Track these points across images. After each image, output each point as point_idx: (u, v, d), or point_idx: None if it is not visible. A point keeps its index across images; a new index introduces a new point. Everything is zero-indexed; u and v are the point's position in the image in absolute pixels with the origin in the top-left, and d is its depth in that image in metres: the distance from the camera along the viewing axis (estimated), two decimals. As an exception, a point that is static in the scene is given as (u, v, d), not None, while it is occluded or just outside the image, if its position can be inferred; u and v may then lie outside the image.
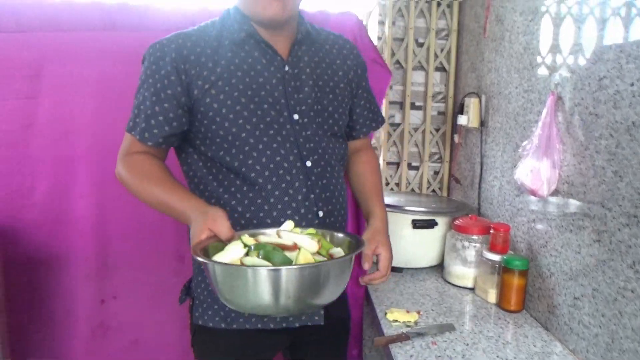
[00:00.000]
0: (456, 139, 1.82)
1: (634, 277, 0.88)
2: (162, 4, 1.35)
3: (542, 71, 1.24)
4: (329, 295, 0.81)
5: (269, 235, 0.91)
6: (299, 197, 1.01)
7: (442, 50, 1.85)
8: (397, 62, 1.85)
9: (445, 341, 1.12)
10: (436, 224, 1.51)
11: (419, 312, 1.26)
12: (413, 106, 1.89)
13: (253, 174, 0.99)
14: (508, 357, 1.05)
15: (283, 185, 1.00)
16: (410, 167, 1.94)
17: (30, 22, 1.21)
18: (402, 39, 1.83)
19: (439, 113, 1.91)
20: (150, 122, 0.98)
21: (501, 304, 1.28)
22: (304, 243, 0.83)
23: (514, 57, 1.40)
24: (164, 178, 0.97)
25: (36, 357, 1.37)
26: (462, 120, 1.67)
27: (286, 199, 1.00)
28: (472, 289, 1.40)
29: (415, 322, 1.21)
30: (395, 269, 1.56)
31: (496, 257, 1.30)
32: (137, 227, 1.36)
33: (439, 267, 1.55)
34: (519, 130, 1.36)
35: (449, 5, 1.81)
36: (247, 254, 0.82)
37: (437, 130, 1.91)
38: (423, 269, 1.57)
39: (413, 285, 1.46)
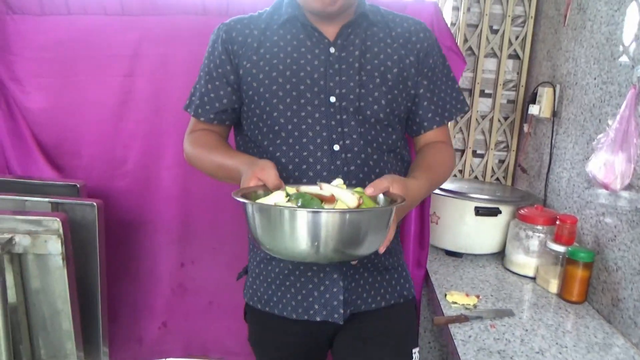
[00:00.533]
0: (526, 128, 1.81)
1: None
2: None
3: (625, 63, 1.21)
4: (368, 245, 0.79)
5: (312, 188, 0.88)
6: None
7: (517, 37, 1.82)
8: (469, 48, 1.84)
9: (504, 325, 1.15)
10: (500, 212, 1.53)
11: (478, 297, 1.30)
12: (482, 93, 1.89)
13: (278, 154, 1.00)
14: (567, 345, 1.07)
15: (304, 166, 0.99)
16: (475, 154, 1.94)
17: (131, 6, 1.32)
18: (477, 25, 1.82)
19: (509, 101, 1.89)
20: (203, 99, 1.05)
21: (563, 294, 1.29)
22: (343, 197, 0.81)
23: (594, 47, 1.37)
24: (219, 146, 1.02)
25: (127, 308, 1.54)
26: (533, 109, 1.66)
27: (304, 181, 0.98)
28: (533, 278, 1.42)
29: (475, 306, 1.25)
30: (454, 254, 1.60)
31: (561, 248, 1.30)
32: (215, 199, 1.47)
33: (499, 255, 1.57)
34: (594, 122, 1.34)
35: (527, -8, 1.78)
36: (288, 202, 0.82)
37: (506, 118, 1.90)
38: (483, 256, 1.59)
39: (473, 270, 1.49)
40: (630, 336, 1.10)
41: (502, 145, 1.93)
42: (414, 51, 1.04)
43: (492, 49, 1.84)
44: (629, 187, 1.14)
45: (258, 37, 1.02)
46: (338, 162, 0.98)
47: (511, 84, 1.88)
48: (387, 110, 1.01)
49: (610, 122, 1.20)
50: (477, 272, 1.47)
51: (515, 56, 1.85)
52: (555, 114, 1.59)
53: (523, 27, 1.82)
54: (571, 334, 1.12)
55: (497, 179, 1.96)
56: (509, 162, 1.93)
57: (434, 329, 1.73)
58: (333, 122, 0.99)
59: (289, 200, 0.81)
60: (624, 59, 1.22)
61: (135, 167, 1.43)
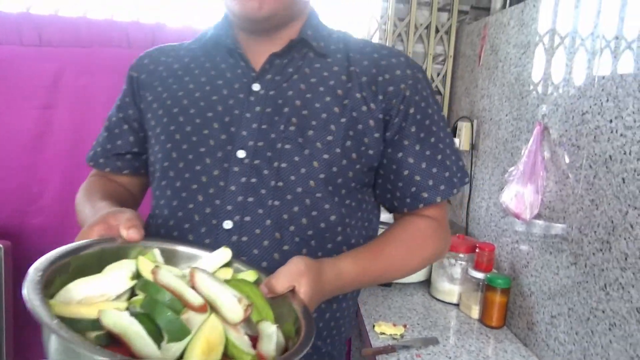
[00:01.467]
0: (448, 160, 1.90)
1: (605, 298, 0.95)
2: (173, 22, 1.43)
3: (531, 102, 1.32)
4: None
5: (185, 269, 0.60)
6: None
7: (438, 74, 1.93)
8: (395, 84, 1.93)
9: (429, 354, 1.18)
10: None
11: (405, 326, 1.32)
12: (408, 126, 1.97)
13: (160, 220, 0.76)
14: (488, 371, 1.11)
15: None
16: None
17: (51, 37, 1.28)
18: (400, 62, 1.91)
19: (433, 134, 1.99)
20: (98, 140, 0.88)
21: (484, 319, 1.35)
22: (223, 304, 0.52)
23: (505, 86, 1.48)
24: (99, 192, 0.79)
25: (38, 355, 1.43)
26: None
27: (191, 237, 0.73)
28: (457, 305, 1.47)
29: (402, 335, 1.28)
30: (384, 284, 1.63)
31: (480, 275, 1.37)
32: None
33: (426, 283, 1.62)
34: (507, 155, 1.44)
35: (447, 32, 1.90)
36: (133, 292, 0.54)
37: (431, 150, 1.99)
38: (411, 284, 1.63)
39: (401, 299, 1.52)
40: (543, 358, 1.16)
41: (428, 176, 2.02)
42: (378, 95, 0.75)
43: (416, 84, 1.94)
44: (537, 216, 1.22)
45: (171, 64, 0.81)
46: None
47: (434, 118, 1.98)
48: (321, 177, 0.72)
49: (520, 155, 1.29)
50: (404, 301, 1.51)
51: (437, 92, 1.96)
52: (473, 146, 1.68)
53: (443, 65, 1.93)
54: (491, 358, 1.17)
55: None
56: (434, 192, 2.01)
57: (365, 360, 1.74)
58: (233, 187, 0.71)
59: (133, 293, 0.53)
60: (531, 97, 1.32)
61: (51, 203, 1.36)
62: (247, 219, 0.71)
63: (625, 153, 0.92)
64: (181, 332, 0.48)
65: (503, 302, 1.32)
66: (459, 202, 1.80)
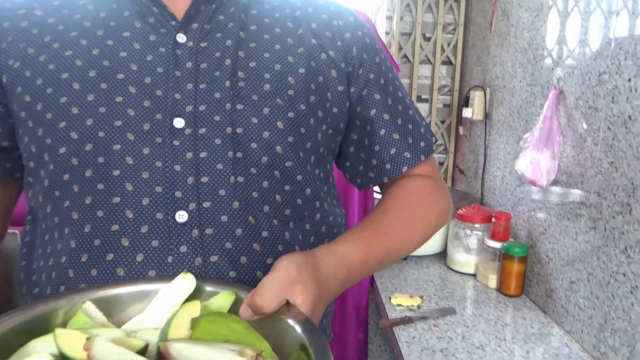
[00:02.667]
0: (461, 131, 1.87)
1: (626, 261, 0.93)
2: None
3: (546, 66, 1.28)
4: None
5: (149, 326, 0.47)
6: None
7: (448, 44, 1.89)
8: (405, 56, 1.89)
9: (447, 324, 1.18)
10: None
11: (422, 297, 1.32)
12: (419, 99, 1.94)
13: (67, 229, 0.56)
14: (506, 338, 1.10)
15: (110, 256, 0.54)
16: (416, 158, 1.99)
17: None
18: (410, 34, 1.88)
19: (445, 106, 1.96)
20: None
21: (501, 289, 1.34)
22: None
23: (518, 52, 1.44)
24: None
25: None
26: (467, 112, 1.72)
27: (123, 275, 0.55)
28: (474, 275, 1.46)
29: (418, 306, 1.27)
30: (400, 256, 1.62)
31: (497, 245, 1.35)
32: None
33: (442, 255, 1.61)
34: (522, 123, 1.41)
35: (457, 0, 1.85)
36: None
37: (443, 122, 1.96)
38: (427, 257, 1.63)
39: (417, 272, 1.52)
40: (563, 324, 1.15)
41: (441, 148, 1.99)
42: (336, 41, 0.65)
43: (426, 55, 1.90)
44: (554, 182, 1.20)
45: (43, 18, 0.59)
46: (183, 248, 0.55)
47: (446, 89, 1.94)
48: (289, 140, 0.59)
49: (536, 122, 1.26)
50: (421, 274, 1.50)
51: (448, 62, 1.92)
52: (487, 116, 1.65)
53: (453, 34, 1.89)
54: (509, 326, 1.16)
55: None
56: (447, 164, 1.99)
57: (383, 333, 1.75)
58: (178, 167, 0.55)
59: None
60: (546, 61, 1.28)
61: None
62: (207, 204, 0.55)
63: (645, 112, 0.90)
64: None
65: (521, 270, 1.30)
66: (474, 173, 1.78)
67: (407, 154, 0.69)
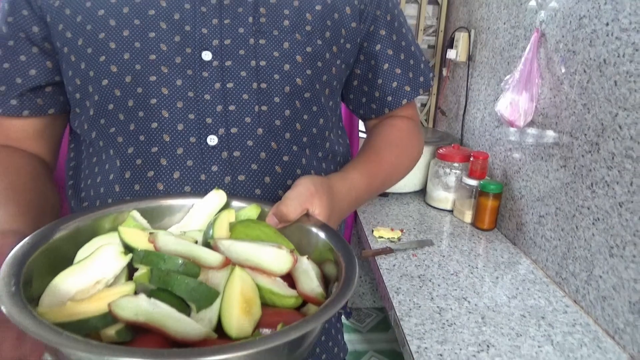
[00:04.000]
0: (444, 72, 1.90)
1: (591, 196, 1.02)
2: None
3: (530, 8, 1.31)
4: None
5: (177, 226, 0.54)
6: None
7: (435, -17, 1.88)
8: (391, -6, 1.88)
9: (425, 254, 1.27)
10: (422, 152, 1.63)
11: (402, 230, 1.41)
12: (405, 39, 1.95)
13: (112, 151, 0.62)
14: (478, 266, 1.20)
15: (150, 173, 0.61)
16: (399, 99, 2.03)
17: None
18: (397, -29, 1.86)
19: (430, 46, 1.97)
20: None
21: (476, 223, 1.43)
22: (262, 257, 0.46)
23: (504, -7, 1.46)
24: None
25: None
26: (451, 54, 1.74)
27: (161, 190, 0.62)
28: (451, 211, 1.55)
29: (399, 239, 1.36)
30: (381, 194, 1.69)
31: (474, 182, 1.43)
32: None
33: (422, 192, 1.69)
34: (504, 65, 1.45)
35: (445, -63, 1.82)
36: (132, 268, 0.45)
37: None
38: (407, 194, 1.71)
39: (398, 208, 1.60)
40: (530, 254, 1.25)
41: (424, 90, 2.03)
42: None
43: (413, -6, 1.89)
44: (531, 123, 1.26)
45: None
46: (214, 168, 0.61)
47: (431, 29, 1.95)
48: (308, 73, 0.65)
49: (517, 64, 1.30)
50: (401, 209, 1.58)
51: (434, 2, 1.92)
52: (470, 57, 1.68)
53: (441, -27, 1.87)
54: (482, 256, 1.26)
55: (420, 122, 2.06)
56: (430, 105, 2.03)
57: (364, 264, 1.85)
58: (207, 96, 0.61)
59: (132, 263, 0.44)
60: (530, 4, 1.31)
61: None
62: (234, 130, 0.61)
63: (619, 56, 0.94)
64: (209, 296, 0.42)
65: (495, 206, 1.39)
66: (455, 114, 1.83)
67: (407, 88, 0.76)
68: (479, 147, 1.60)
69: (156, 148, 0.61)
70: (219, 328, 0.41)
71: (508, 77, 1.30)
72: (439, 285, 1.11)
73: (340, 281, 0.44)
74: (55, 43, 0.62)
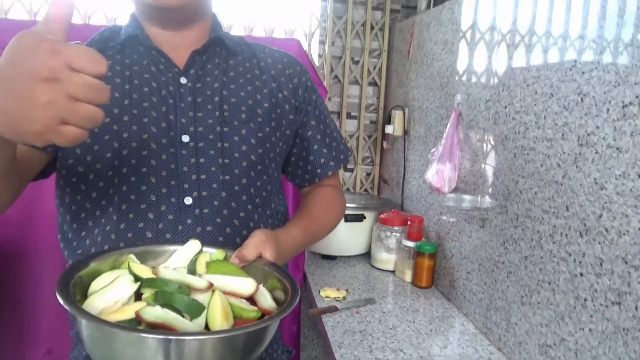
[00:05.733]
0: (385, 145, 2.10)
1: (504, 252, 1.17)
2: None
3: (449, 91, 1.52)
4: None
5: (169, 260, 0.70)
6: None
7: (374, 67, 2.12)
8: (336, 77, 2.10)
9: (367, 311, 1.37)
10: (364, 217, 1.77)
11: (347, 290, 1.51)
12: (349, 116, 2.15)
13: (111, 208, 0.78)
14: (415, 321, 1.31)
15: (140, 224, 0.77)
16: (346, 169, 2.20)
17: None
18: (340, 57, 2.09)
19: (371, 122, 2.18)
20: None
21: (415, 282, 1.55)
22: (231, 284, 0.64)
23: (430, 78, 1.68)
24: None
25: (9, 336, 1.52)
26: (389, 129, 1.94)
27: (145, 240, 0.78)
28: (393, 272, 1.67)
29: (344, 298, 1.46)
30: (329, 257, 1.80)
31: (412, 244, 1.57)
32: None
33: (367, 255, 1.81)
34: (432, 138, 1.64)
35: (381, 29, 2.09)
36: (137, 293, 0.60)
37: (369, 137, 2.18)
38: (354, 257, 1.82)
39: (344, 270, 1.71)
40: (462, 308, 1.37)
41: (368, 160, 2.21)
42: (288, 85, 0.92)
43: (354, 77, 2.12)
44: (455, 190, 1.43)
45: None
46: (189, 221, 0.78)
47: (372, 107, 2.17)
48: (259, 152, 0.85)
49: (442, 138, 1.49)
50: (348, 271, 1.69)
51: (374, 83, 2.15)
52: (406, 132, 1.89)
53: (379, 59, 2.12)
54: (419, 312, 1.37)
55: (366, 189, 2.23)
56: (374, 175, 2.21)
57: (311, 322, 1.92)
58: (185, 168, 0.79)
59: (140, 292, 0.60)
60: (449, 88, 1.52)
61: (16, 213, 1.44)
62: (204, 193, 0.80)
63: (515, 133, 1.14)
64: (199, 309, 0.58)
65: (430, 265, 1.52)
66: (396, 182, 2.00)
67: (332, 162, 1.00)
68: (417, 212, 1.76)
69: (144, 205, 0.78)
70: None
71: (434, 149, 1.48)
72: (378, 338, 1.21)
73: (289, 296, 0.64)
74: None
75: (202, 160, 0.81)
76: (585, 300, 0.90)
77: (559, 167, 0.98)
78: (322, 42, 2.06)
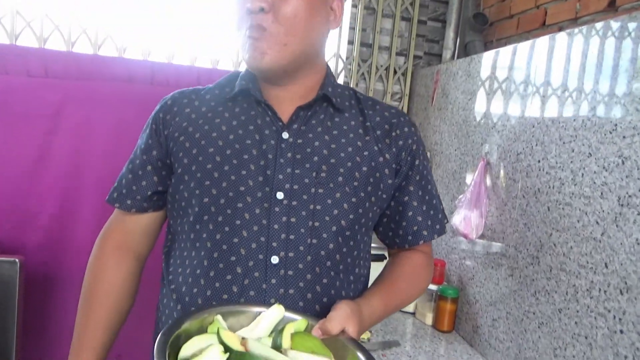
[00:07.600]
0: (404, 186, 2.14)
1: (535, 302, 1.19)
2: (175, 61, 1.57)
3: (476, 140, 1.57)
4: None
5: (257, 334, 0.70)
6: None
7: (395, 110, 2.18)
8: (357, 117, 2.15)
9: (393, 354, 1.38)
10: (385, 257, 1.79)
11: (370, 332, 1.52)
12: (368, 155, 2.20)
13: (203, 252, 0.81)
14: (442, 366, 1.32)
15: (228, 277, 0.79)
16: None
17: (56, 69, 1.40)
18: (362, 98, 2.15)
19: (390, 162, 2.23)
20: (122, 182, 0.91)
21: (436, 325, 1.57)
22: None
23: (454, 125, 1.73)
24: (92, 308, 0.89)
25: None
26: (409, 171, 1.98)
27: (225, 296, 0.79)
28: (413, 314, 1.68)
29: (368, 339, 1.47)
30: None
31: (434, 287, 1.59)
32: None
33: (387, 295, 1.82)
34: (455, 184, 1.68)
35: (404, 74, 2.16)
36: None
37: (388, 177, 2.22)
38: (373, 296, 1.83)
39: (365, 309, 1.72)
40: (486, 355, 1.39)
41: (385, 200, 2.24)
42: (392, 148, 0.88)
43: (375, 118, 2.17)
44: (482, 236, 1.46)
45: (199, 107, 0.86)
46: (273, 281, 0.78)
47: (391, 148, 2.22)
48: (350, 217, 0.82)
49: (467, 185, 1.53)
50: (368, 311, 1.70)
51: (394, 125, 2.20)
52: (426, 175, 1.93)
53: (400, 102, 2.18)
54: (444, 357, 1.38)
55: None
56: (390, 214, 2.24)
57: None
58: (276, 226, 0.79)
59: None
60: (475, 137, 1.58)
61: (49, 222, 1.46)
62: (291, 254, 0.79)
63: (550, 187, 1.18)
64: None
65: (453, 309, 1.54)
66: (413, 224, 2.03)
67: (425, 232, 0.93)
68: (437, 255, 1.79)
69: (234, 257, 0.78)
70: None
71: (461, 196, 1.52)
72: (408, 384, 1.21)
73: None
74: (174, 165, 0.85)
75: (293, 219, 0.80)
76: (625, 357, 0.92)
77: (597, 224, 1.02)
78: (346, 83, 2.13)
